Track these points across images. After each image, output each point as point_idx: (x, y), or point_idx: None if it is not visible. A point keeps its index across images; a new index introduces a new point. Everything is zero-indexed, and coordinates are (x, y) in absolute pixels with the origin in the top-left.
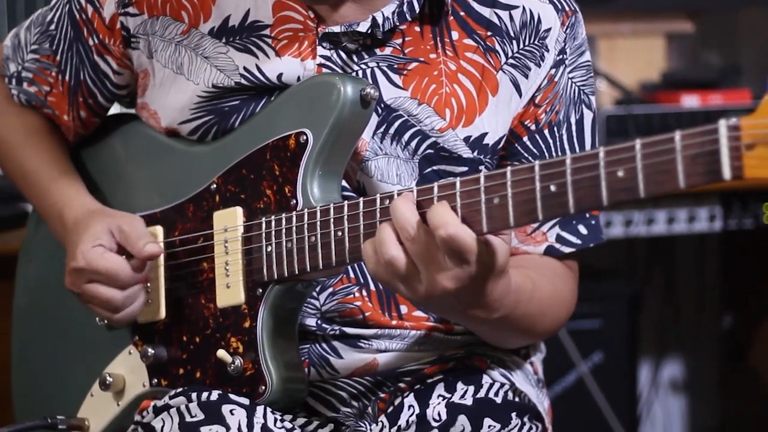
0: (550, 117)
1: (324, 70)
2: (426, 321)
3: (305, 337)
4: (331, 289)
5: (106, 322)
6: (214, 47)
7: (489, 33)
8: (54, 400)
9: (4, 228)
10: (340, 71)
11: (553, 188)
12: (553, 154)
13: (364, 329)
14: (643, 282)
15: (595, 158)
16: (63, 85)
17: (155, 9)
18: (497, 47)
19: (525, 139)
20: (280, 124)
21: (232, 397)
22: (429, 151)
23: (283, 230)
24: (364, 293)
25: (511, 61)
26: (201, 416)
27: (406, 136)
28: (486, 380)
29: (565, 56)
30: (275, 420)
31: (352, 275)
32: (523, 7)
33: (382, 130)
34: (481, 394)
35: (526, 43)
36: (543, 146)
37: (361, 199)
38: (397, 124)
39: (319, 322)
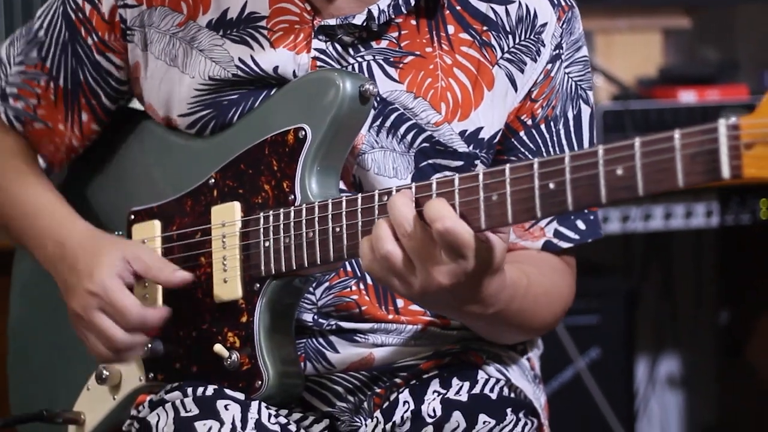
0: (547, 112)
1: (318, 63)
2: (422, 315)
3: (301, 331)
4: (327, 284)
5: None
6: (210, 39)
7: (485, 27)
8: (50, 393)
9: None
10: (335, 64)
11: (551, 186)
12: (550, 149)
13: (360, 323)
14: (640, 278)
15: (594, 156)
16: (56, 92)
17: None
18: (493, 42)
19: (521, 133)
20: (278, 119)
21: (228, 392)
22: (424, 144)
23: (281, 226)
24: (361, 286)
25: (507, 55)
26: (196, 411)
27: (402, 130)
28: (481, 376)
29: (561, 51)
30: (269, 415)
31: (349, 268)
32: (519, 2)
33: (378, 123)
34: (476, 390)
35: (522, 37)
36: (540, 141)
37: (359, 195)
38: (393, 117)
39: (315, 317)
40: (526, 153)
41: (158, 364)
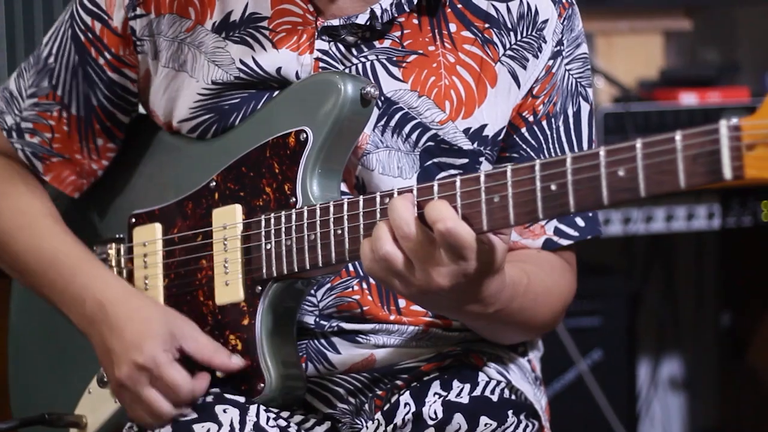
0: (548, 108)
1: (321, 64)
2: (424, 316)
3: (303, 333)
4: (329, 285)
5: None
6: (213, 42)
7: (487, 25)
8: (51, 396)
9: None
10: (338, 65)
11: (553, 188)
12: (551, 145)
13: (362, 324)
14: (642, 280)
15: (596, 158)
16: (69, 122)
17: (162, 7)
18: (495, 39)
19: (523, 130)
20: (280, 121)
21: (228, 396)
22: (429, 143)
23: (283, 228)
24: (364, 286)
25: (509, 52)
26: (194, 415)
27: (407, 129)
28: (482, 378)
29: (562, 48)
30: (268, 418)
31: (351, 268)
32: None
33: (382, 122)
34: (478, 392)
35: (524, 34)
36: (541, 137)
37: (361, 198)
38: (397, 116)
39: (317, 319)
40: (528, 150)
41: None
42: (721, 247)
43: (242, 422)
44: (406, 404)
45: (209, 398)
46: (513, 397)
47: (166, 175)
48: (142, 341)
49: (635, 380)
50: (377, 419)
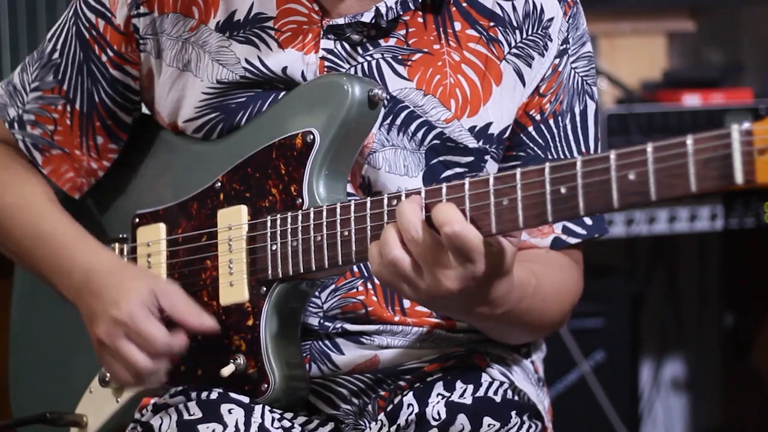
0: (555, 107)
1: (327, 63)
2: (429, 317)
3: (307, 334)
4: (333, 286)
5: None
6: (217, 41)
7: (492, 23)
8: (52, 395)
9: None
10: (343, 64)
11: (563, 191)
12: (558, 144)
13: (366, 325)
14: (644, 281)
15: (606, 161)
16: (72, 116)
17: (166, 6)
18: (500, 37)
19: (530, 129)
20: (287, 123)
21: (233, 396)
22: (435, 141)
23: (289, 229)
24: (369, 286)
25: (514, 51)
26: (199, 414)
27: (413, 127)
28: (485, 379)
29: (568, 46)
30: (273, 419)
31: (356, 269)
32: None
33: (388, 121)
34: (481, 392)
35: (530, 32)
36: (548, 136)
37: (368, 199)
38: (403, 115)
39: (321, 321)
40: (536, 148)
41: None
42: (724, 248)
43: (247, 423)
44: (409, 405)
45: (213, 396)
46: (516, 397)
47: (170, 176)
48: (120, 297)
49: (638, 381)
50: (380, 420)
